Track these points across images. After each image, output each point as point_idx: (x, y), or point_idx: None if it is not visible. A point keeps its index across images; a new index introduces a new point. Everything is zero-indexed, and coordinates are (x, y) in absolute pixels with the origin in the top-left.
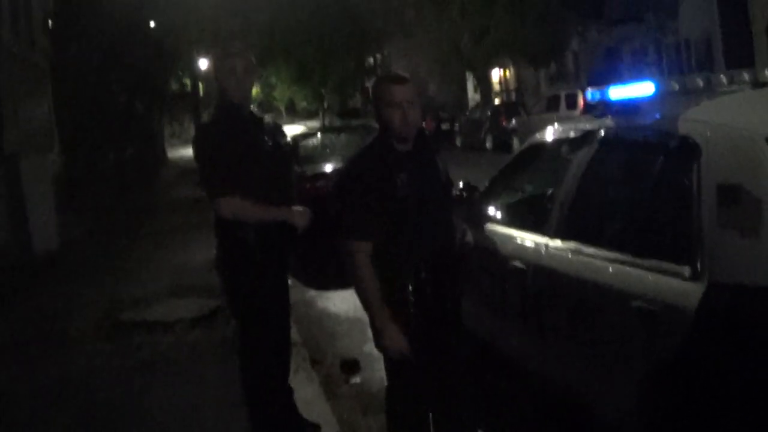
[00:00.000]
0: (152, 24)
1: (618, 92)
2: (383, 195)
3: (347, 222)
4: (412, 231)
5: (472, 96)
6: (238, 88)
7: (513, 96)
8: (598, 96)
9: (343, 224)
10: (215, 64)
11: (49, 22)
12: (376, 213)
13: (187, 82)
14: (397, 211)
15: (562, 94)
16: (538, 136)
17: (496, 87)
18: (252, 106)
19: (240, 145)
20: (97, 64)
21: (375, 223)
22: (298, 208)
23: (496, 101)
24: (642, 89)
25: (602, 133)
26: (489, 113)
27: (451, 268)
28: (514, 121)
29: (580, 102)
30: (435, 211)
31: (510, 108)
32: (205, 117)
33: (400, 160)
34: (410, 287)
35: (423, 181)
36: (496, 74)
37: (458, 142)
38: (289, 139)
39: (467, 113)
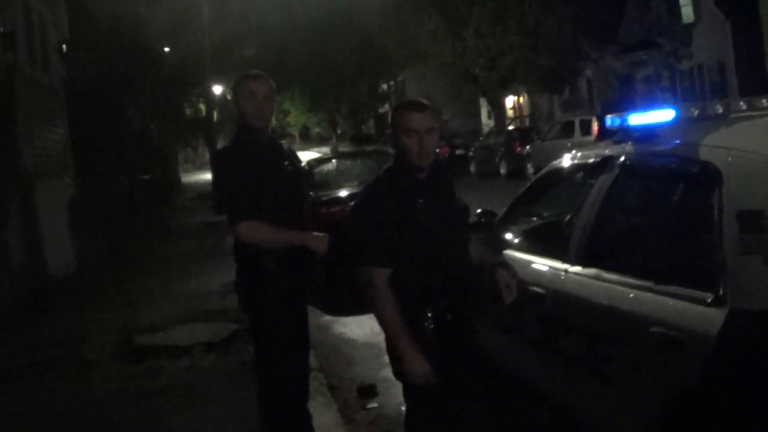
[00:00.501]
0: (166, 50)
1: (638, 118)
2: (402, 221)
3: (366, 248)
4: (431, 257)
5: (486, 122)
6: (258, 112)
7: (527, 122)
8: (618, 122)
9: (361, 250)
10: (234, 89)
11: (64, 47)
12: (395, 239)
13: (202, 107)
14: (416, 237)
15: (577, 121)
16: (556, 162)
17: (510, 113)
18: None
19: (259, 169)
20: (112, 88)
21: (394, 249)
22: (317, 234)
23: (510, 127)
24: (662, 115)
25: (622, 159)
26: (503, 139)
27: (469, 295)
28: (528, 147)
29: (595, 128)
30: (453, 237)
31: (524, 134)
32: (220, 143)
33: (418, 185)
34: (429, 314)
35: (440, 207)
36: (510, 100)
37: (472, 168)
38: (304, 164)
39: (481, 139)
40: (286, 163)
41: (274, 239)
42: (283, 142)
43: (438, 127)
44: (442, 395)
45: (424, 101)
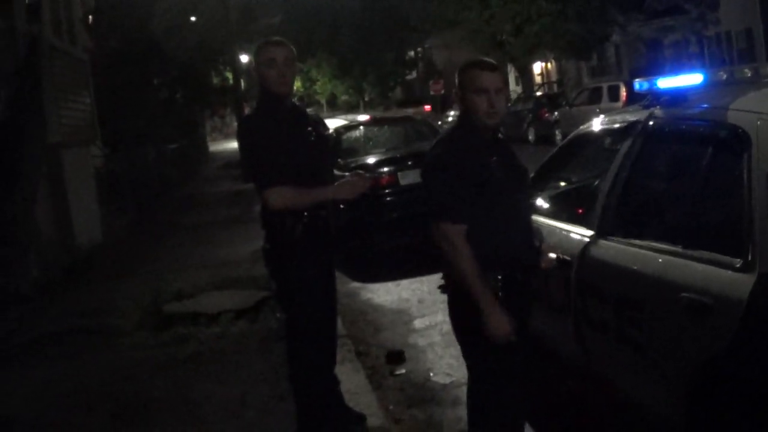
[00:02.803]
0: (193, 18)
1: (666, 82)
2: (477, 178)
3: (445, 203)
4: (505, 215)
5: (514, 88)
6: (280, 78)
7: (555, 88)
8: (646, 86)
9: (440, 206)
10: (255, 55)
11: (90, 18)
12: (472, 195)
13: (229, 76)
14: (492, 194)
15: (605, 86)
16: (584, 126)
17: (538, 79)
18: (294, 99)
19: (283, 135)
20: (137, 58)
21: (471, 206)
22: (341, 181)
23: (538, 93)
24: (690, 79)
25: (651, 123)
26: (531, 106)
27: (534, 255)
28: (556, 113)
29: (623, 94)
30: (522, 199)
31: (552, 100)
32: (247, 111)
33: (489, 144)
34: (499, 275)
35: (509, 166)
36: (537, 67)
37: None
38: (331, 131)
39: (509, 106)
40: (310, 129)
41: (303, 201)
42: (310, 109)
43: (507, 89)
44: (517, 353)
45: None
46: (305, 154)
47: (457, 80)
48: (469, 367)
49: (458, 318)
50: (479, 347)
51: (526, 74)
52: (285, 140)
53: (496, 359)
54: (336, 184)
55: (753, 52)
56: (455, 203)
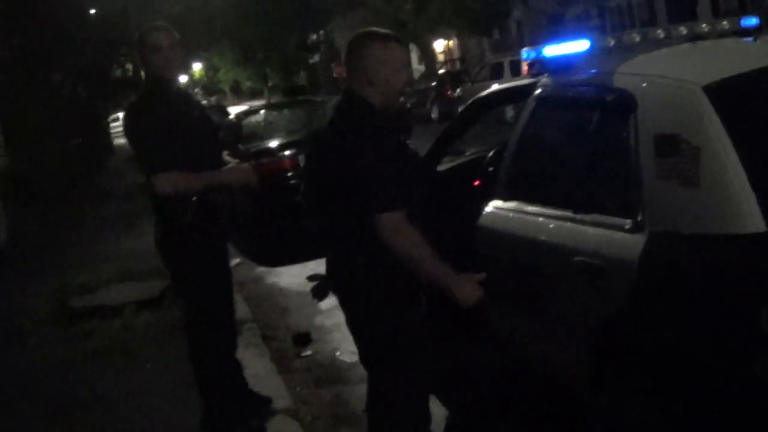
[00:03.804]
0: (92, 11)
1: (553, 50)
2: (405, 162)
3: (391, 192)
4: (420, 200)
5: (417, 67)
6: (165, 62)
7: (457, 65)
8: (533, 55)
9: (386, 197)
10: (139, 42)
11: None
12: (404, 181)
13: (130, 67)
14: (414, 178)
15: (506, 61)
16: (476, 97)
17: (441, 57)
18: (197, 89)
19: (171, 120)
20: (40, 53)
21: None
22: (234, 166)
23: (441, 71)
24: (577, 46)
25: (539, 90)
26: (434, 84)
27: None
28: (459, 90)
29: (524, 68)
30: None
31: (455, 77)
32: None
33: (401, 128)
34: None
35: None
36: (439, 45)
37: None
38: (232, 117)
39: (412, 85)
40: (197, 112)
41: (193, 185)
42: (214, 98)
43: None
44: (427, 353)
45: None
46: (192, 137)
47: (365, 56)
48: (375, 376)
49: (369, 319)
50: (391, 352)
51: (428, 53)
52: (171, 124)
53: (412, 365)
54: (224, 168)
55: (655, 22)
56: (399, 190)
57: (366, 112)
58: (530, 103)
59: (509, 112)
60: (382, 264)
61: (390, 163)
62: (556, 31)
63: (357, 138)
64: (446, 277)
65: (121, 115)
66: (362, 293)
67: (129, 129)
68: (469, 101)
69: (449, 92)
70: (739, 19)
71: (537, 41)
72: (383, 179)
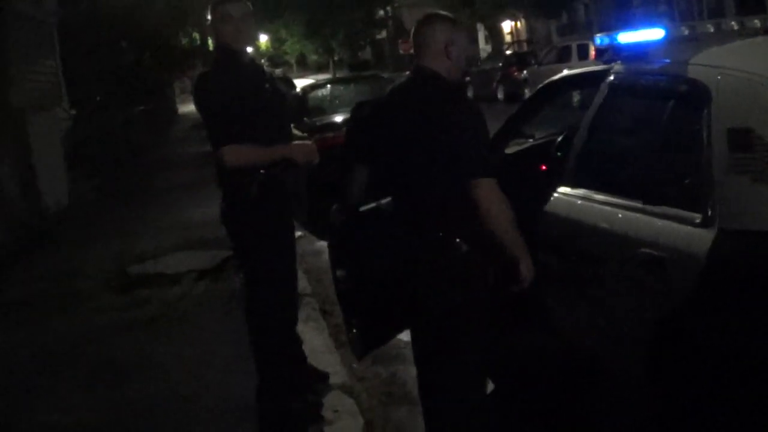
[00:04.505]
0: None
1: (627, 37)
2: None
3: (490, 158)
4: None
5: (483, 47)
6: (236, 33)
7: (524, 47)
8: (607, 41)
9: (487, 161)
10: (211, 12)
11: None
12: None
13: (197, 36)
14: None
15: (574, 45)
16: (547, 81)
17: (507, 38)
18: (263, 60)
19: (241, 92)
20: (105, 20)
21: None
22: (300, 142)
23: (508, 52)
24: (651, 34)
25: (611, 78)
26: (500, 64)
27: None
28: (525, 72)
29: (592, 52)
30: None
31: (521, 59)
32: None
33: None
34: None
35: None
36: (507, 26)
37: (470, 92)
38: (297, 90)
39: (479, 64)
40: (267, 85)
41: (259, 158)
42: (280, 69)
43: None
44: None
45: None
46: (262, 110)
47: (430, 34)
48: (437, 352)
49: (443, 292)
50: (482, 331)
51: (495, 33)
52: (241, 96)
53: (479, 340)
54: (293, 143)
55: (722, 8)
56: (491, 156)
57: (447, 84)
58: (602, 90)
59: (575, 96)
60: (465, 237)
61: (486, 130)
62: (624, 16)
63: (454, 107)
64: (523, 249)
65: (188, 82)
66: (438, 267)
67: (199, 99)
68: (541, 84)
69: (515, 73)
70: None
71: (604, 25)
72: (484, 146)
